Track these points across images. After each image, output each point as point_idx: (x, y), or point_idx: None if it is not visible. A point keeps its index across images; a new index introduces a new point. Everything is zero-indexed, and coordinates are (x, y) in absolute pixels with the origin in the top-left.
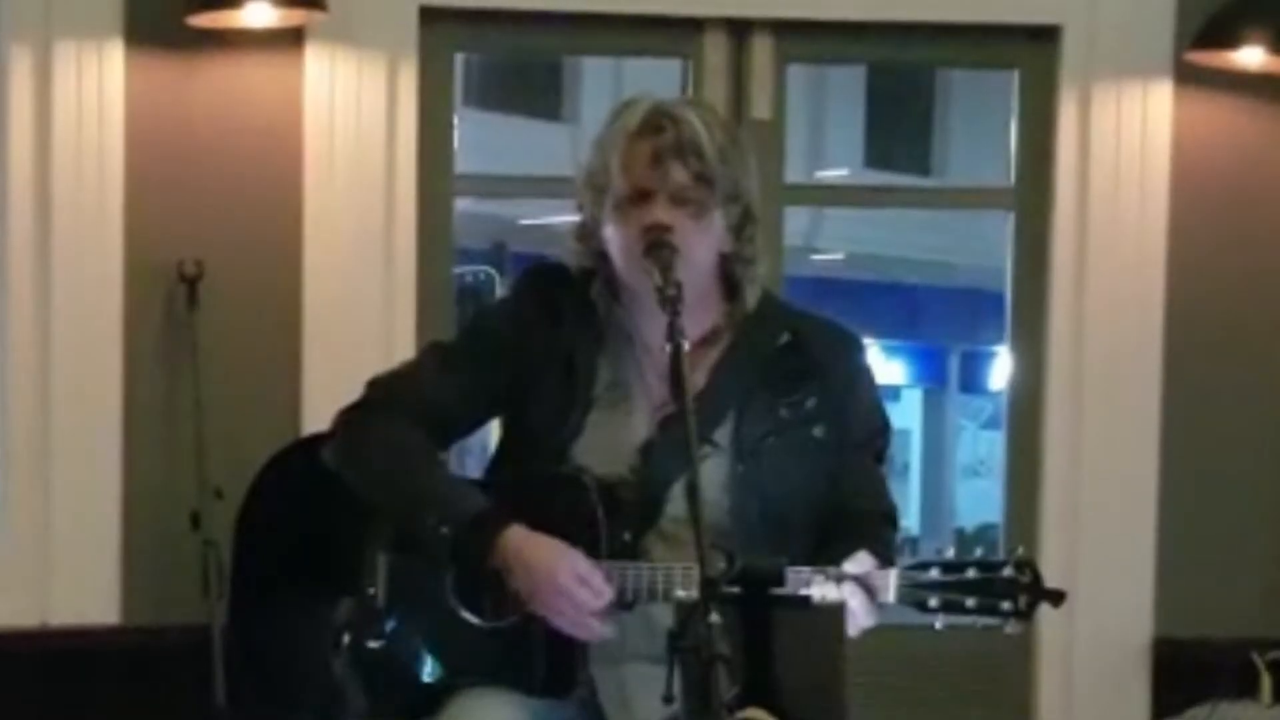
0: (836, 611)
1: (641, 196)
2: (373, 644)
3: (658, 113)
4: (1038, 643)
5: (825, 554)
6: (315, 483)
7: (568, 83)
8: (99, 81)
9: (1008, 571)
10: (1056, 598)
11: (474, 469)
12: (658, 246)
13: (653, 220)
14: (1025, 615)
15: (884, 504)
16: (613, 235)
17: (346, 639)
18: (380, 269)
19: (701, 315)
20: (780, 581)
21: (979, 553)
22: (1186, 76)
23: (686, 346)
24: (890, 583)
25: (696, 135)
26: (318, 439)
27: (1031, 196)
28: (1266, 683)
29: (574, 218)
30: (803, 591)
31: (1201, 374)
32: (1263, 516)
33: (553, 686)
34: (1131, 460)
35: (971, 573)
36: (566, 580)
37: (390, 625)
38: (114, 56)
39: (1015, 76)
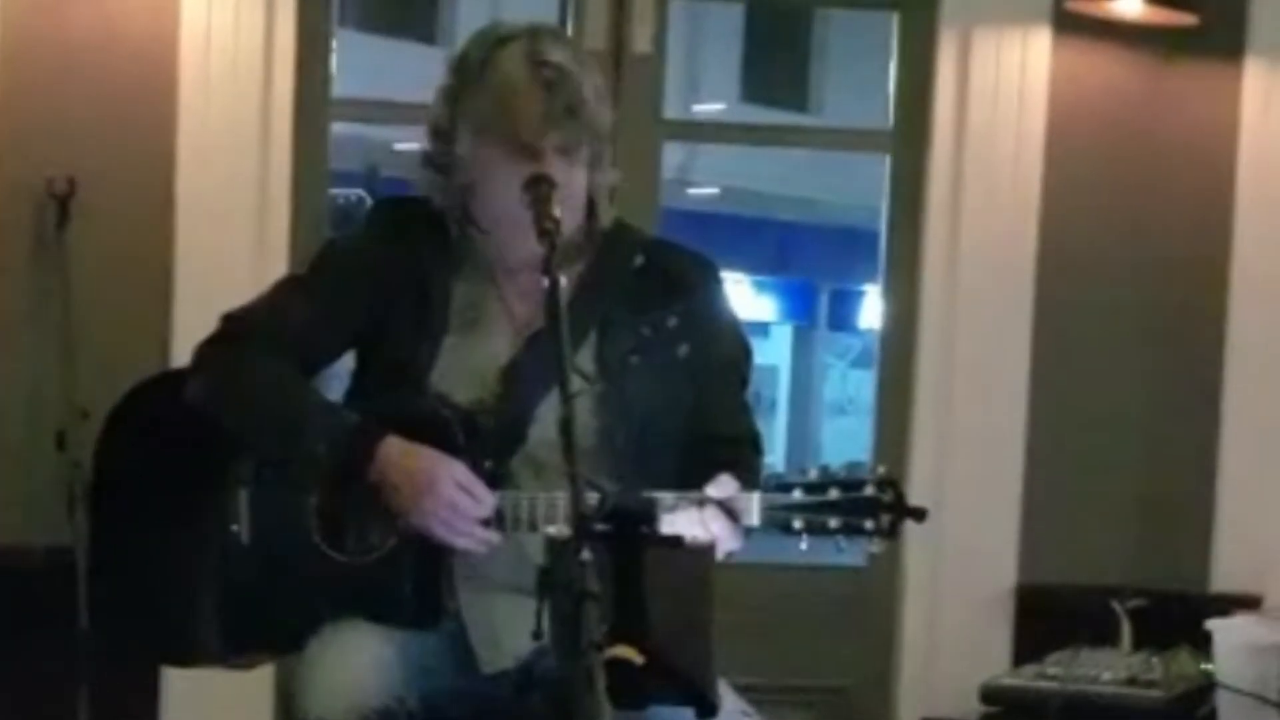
0: (707, 552)
1: (533, 154)
2: (238, 581)
3: (539, 63)
4: (902, 585)
5: (689, 478)
6: (174, 419)
7: (444, 6)
8: None
9: (870, 490)
10: (919, 514)
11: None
12: (535, 182)
13: (540, 174)
14: (889, 534)
15: (748, 429)
16: (489, 179)
17: (211, 575)
18: (254, 191)
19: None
20: (652, 519)
21: (841, 470)
22: (1065, 24)
23: (564, 282)
24: (753, 506)
25: (582, 92)
26: (175, 374)
27: (908, 139)
28: (1126, 630)
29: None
30: (673, 531)
31: (1072, 320)
32: (1128, 464)
33: (420, 618)
34: (1000, 405)
35: (834, 493)
36: (447, 487)
37: (255, 562)
38: None
39: (895, 19)
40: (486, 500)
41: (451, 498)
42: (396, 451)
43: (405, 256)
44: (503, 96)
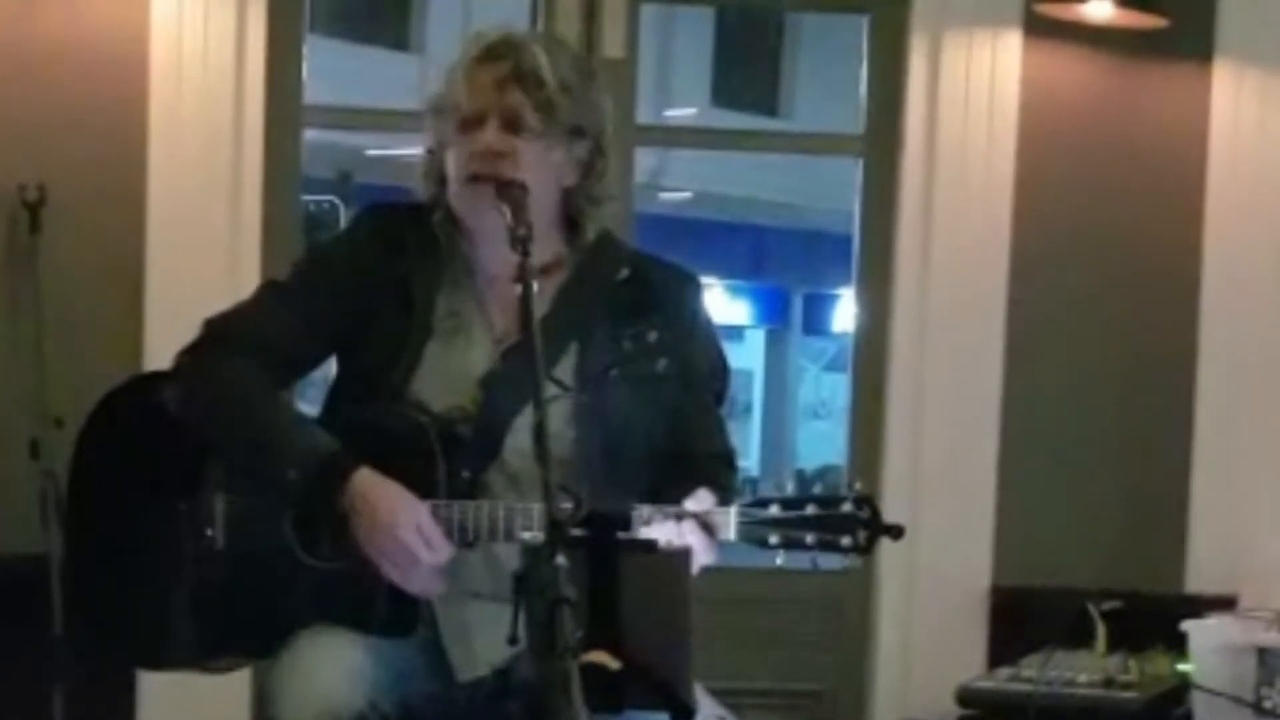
0: (682, 557)
1: (477, 121)
2: (212, 585)
3: (504, 42)
4: (876, 588)
5: (666, 492)
6: (149, 423)
7: (415, 12)
8: None
9: (847, 507)
10: (896, 532)
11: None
12: (508, 186)
13: (484, 145)
14: (865, 550)
15: (724, 446)
16: (450, 160)
17: (186, 580)
18: (226, 198)
19: (541, 246)
20: (627, 525)
21: (818, 488)
22: (1036, 27)
23: (536, 287)
24: (730, 520)
25: (537, 64)
26: (152, 377)
27: (880, 143)
28: (1101, 632)
29: (421, 149)
30: (649, 536)
31: (1045, 323)
32: (1102, 467)
33: (394, 625)
34: (973, 408)
35: (811, 509)
36: (406, 532)
37: (229, 567)
38: None
39: (866, 22)
40: (442, 551)
41: (409, 544)
42: (364, 487)
43: (390, 262)
44: (461, 69)
